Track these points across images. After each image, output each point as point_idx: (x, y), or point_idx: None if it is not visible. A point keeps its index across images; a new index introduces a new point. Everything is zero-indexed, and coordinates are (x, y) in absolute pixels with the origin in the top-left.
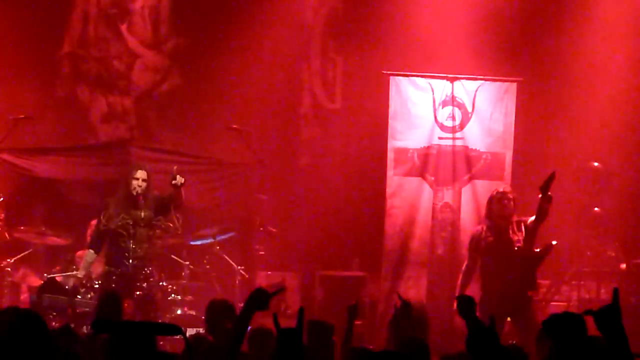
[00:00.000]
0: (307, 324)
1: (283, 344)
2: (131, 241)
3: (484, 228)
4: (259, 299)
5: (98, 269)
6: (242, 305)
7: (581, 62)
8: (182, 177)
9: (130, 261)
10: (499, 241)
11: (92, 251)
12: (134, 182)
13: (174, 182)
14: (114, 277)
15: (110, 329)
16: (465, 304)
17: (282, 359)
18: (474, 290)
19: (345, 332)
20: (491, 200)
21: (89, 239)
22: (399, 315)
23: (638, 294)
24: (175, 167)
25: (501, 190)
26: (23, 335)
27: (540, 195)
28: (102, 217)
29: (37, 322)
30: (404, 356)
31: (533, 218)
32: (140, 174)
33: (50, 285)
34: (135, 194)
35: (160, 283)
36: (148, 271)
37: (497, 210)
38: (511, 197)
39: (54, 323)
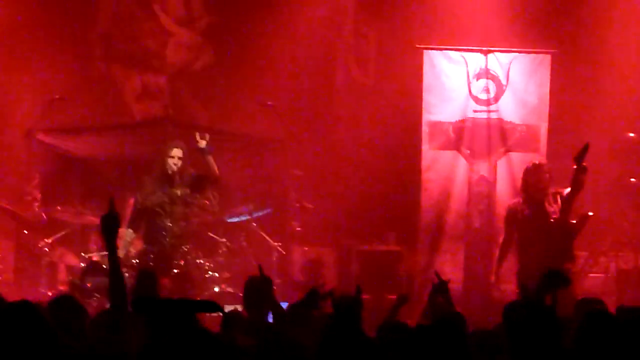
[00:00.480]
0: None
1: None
2: (168, 219)
3: (520, 201)
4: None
5: (137, 247)
6: (279, 281)
7: (615, 32)
8: (207, 143)
9: (168, 239)
10: (536, 214)
11: (130, 230)
12: (170, 161)
13: (197, 145)
14: (151, 256)
15: (150, 307)
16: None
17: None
18: (510, 263)
19: (389, 315)
20: (527, 172)
21: (127, 218)
22: (435, 292)
23: None
24: (197, 134)
25: (537, 162)
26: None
27: (575, 167)
28: (138, 196)
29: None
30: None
31: (569, 190)
32: (176, 152)
33: (93, 268)
34: (170, 172)
35: (198, 261)
36: (185, 249)
37: (533, 183)
38: (546, 169)
39: (95, 304)
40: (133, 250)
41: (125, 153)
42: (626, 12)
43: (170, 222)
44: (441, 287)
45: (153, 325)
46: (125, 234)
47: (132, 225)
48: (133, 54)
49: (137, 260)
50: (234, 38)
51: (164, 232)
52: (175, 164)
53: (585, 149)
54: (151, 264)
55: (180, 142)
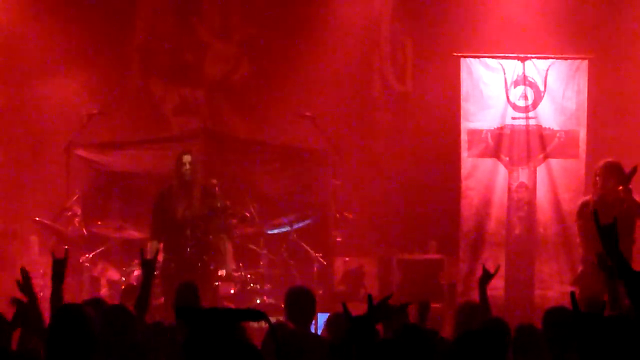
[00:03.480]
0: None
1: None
2: (188, 230)
3: (592, 197)
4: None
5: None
6: (321, 292)
7: None
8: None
9: (188, 249)
10: (604, 205)
11: (155, 241)
12: (183, 168)
13: None
14: (172, 265)
15: (194, 316)
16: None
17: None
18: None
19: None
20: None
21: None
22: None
23: None
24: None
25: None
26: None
27: (620, 188)
28: (157, 207)
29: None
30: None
31: None
32: (186, 158)
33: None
34: (186, 179)
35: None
36: (206, 259)
37: (603, 183)
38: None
39: None
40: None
41: (164, 167)
42: None
43: (190, 232)
44: (484, 278)
45: (195, 335)
46: (150, 245)
47: (155, 236)
48: (171, 67)
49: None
50: (271, 50)
51: (183, 242)
52: (187, 170)
53: (634, 171)
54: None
55: (190, 149)
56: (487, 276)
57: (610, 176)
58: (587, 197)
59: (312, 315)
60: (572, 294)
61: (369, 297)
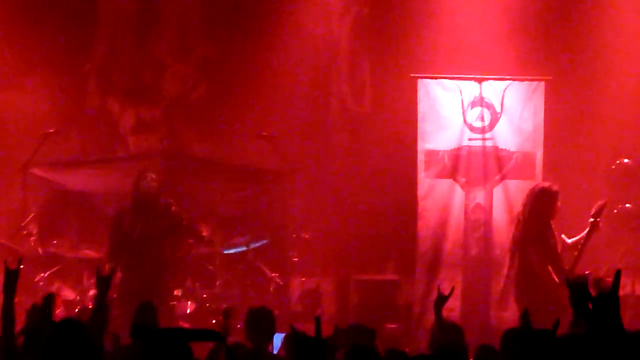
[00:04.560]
0: (348, 329)
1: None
2: (145, 249)
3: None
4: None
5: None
6: (277, 312)
7: (610, 59)
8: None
9: (145, 269)
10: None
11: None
12: (146, 185)
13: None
14: (130, 284)
15: (149, 336)
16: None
17: None
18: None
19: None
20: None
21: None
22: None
23: None
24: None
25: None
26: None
27: (591, 220)
28: (115, 227)
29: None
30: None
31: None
32: (150, 175)
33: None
34: (147, 197)
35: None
36: (163, 278)
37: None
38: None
39: None
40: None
41: (121, 186)
42: (620, 39)
43: (147, 252)
44: (439, 301)
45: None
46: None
47: (113, 255)
48: (128, 86)
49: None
50: (228, 69)
51: (139, 261)
52: (149, 183)
53: (602, 207)
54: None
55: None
56: (441, 298)
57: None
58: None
59: (270, 335)
60: (525, 311)
61: (317, 319)
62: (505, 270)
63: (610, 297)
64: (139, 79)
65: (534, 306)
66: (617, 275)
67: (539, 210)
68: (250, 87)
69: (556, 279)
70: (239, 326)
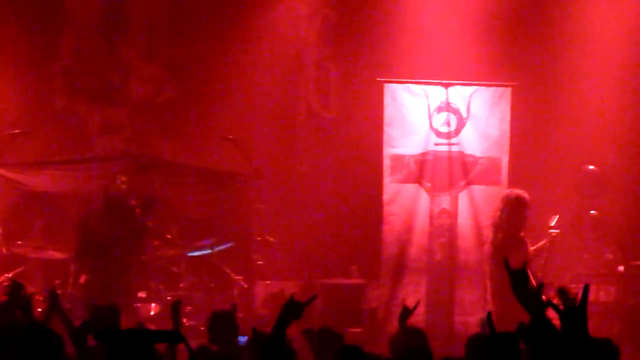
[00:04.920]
0: (317, 332)
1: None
2: (111, 251)
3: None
4: (294, 308)
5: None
6: (241, 315)
7: (576, 65)
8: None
9: (110, 271)
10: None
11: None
12: (116, 188)
13: None
14: (94, 286)
15: (112, 337)
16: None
17: None
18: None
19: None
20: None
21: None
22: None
23: (636, 296)
24: None
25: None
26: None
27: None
28: (84, 228)
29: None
30: None
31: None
32: (120, 176)
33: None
34: (115, 199)
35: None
36: (127, 280)
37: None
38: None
39: None
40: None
41: (87, 188)
42: (587, 46)
43: (115, 254)
44: (403, 314)
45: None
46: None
47: (79, 256)
48: (95, 88)
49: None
50: (196, 72)
51: (106, 263)
52: (118, 185)
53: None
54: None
55: (124, 172)
56: (406, 312)
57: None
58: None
59: (234, 338)
60: (489, 314)
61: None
62: (487, 277)
63: (578, 309)
64: (106, 81)
65: (511, 312)
66: (585, 289)
67: (515, 216)
68: (218, 90)
69: (534, 284)
70: (202, 328)
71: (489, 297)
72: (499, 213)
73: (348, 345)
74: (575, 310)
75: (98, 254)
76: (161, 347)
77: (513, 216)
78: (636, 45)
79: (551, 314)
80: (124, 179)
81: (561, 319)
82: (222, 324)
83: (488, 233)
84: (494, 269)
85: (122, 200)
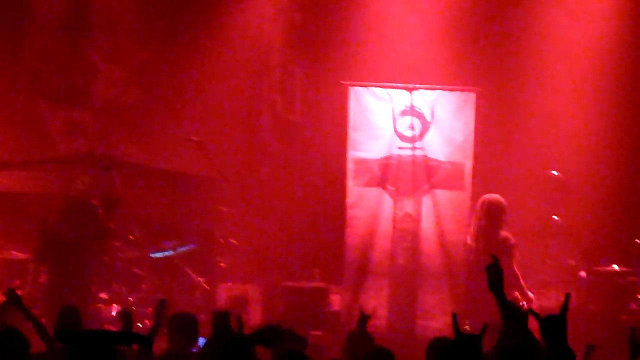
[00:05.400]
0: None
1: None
2: (72, 252)
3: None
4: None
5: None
6: (203, 317)
7: (540, 70)
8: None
9: (72, 271)
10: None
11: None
12: (76, 190)
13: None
14: (55, 286)
15: (73, 339)
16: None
17: None
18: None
19: None
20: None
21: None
22: (358, 323)
23: (597, 302)
24: None
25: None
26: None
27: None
28: (45, 228)
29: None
30: None
31: None
32: (82, 178)
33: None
34: (76, 200)
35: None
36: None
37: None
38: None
39: None
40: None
41: (51, 189)
42: (549, 51)
43: (76, 254)
44: (362, 321)
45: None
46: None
47: (39, 256)
48: (60, 89)
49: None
50: (161, 74)
51: (76, 265)
52: (79, 187)
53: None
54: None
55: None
56: (364, 318)
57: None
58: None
59: (194, 340)
60: (454, 315)
61: (239, 319)
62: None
63: (558, 318)
64: (70, 82)
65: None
66: (567, 298)
67: (497, 221)
68: (182, 92)
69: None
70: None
71: (470, 307)
72: (480, 219)
73: (291, 349)
74: (556, 318)
75: (59, 254)
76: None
77: (495, 221)
78: (599, 51)
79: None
80: (84, 180)
81: (541, 327)
82: (181, 326)
83: (452, 238)
84: (476, 275)
85: (82, 201)
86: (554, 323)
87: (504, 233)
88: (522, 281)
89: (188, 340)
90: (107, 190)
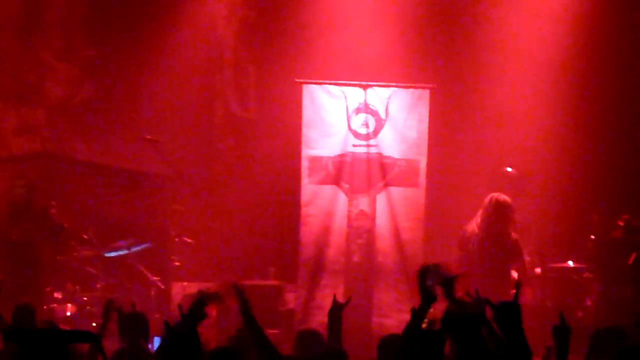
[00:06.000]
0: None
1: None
2: (24, 251)
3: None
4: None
5: None
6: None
7: (494, 68)
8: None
9: (22, 271)
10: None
11: None
12: (14, 191)
13: None
14: (8, 286)
15: (25, 338)
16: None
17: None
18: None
19: None
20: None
21: None
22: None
23: (553, 299)
24: None
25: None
26: None
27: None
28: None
29: None
30: None
31: None
32: (19, 181)
33: None
34: (18, 202)
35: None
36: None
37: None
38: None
39: None
40: None
41: (1, 187)
42: (503, 48)
43: (25, 255)
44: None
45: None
46: None
47: None
48: (11, 88)
49: None
50: (114, 72)
51: (30, 264)
52: (19, 194)
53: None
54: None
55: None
56: (338, 307)
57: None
58: (469, 228)
59: (144, 339)
60: (413, 310)
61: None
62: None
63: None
64: (22, 81)
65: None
66: (517, 286)
67: (507, 221)
68: (136, 90)
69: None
70: None
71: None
72: (490, 216)
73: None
74: (509, 306)
75: (12, 254)
76: (83, 347)
77: (505, 220)
78: (552, 49)
79: None
80: (21, 183)
81: (495, 315)
82: (131, 325)
83: (407, 235)
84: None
85: (23, 203)
86: (508, 311)
87: (515, 235)
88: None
89: (137, 339)
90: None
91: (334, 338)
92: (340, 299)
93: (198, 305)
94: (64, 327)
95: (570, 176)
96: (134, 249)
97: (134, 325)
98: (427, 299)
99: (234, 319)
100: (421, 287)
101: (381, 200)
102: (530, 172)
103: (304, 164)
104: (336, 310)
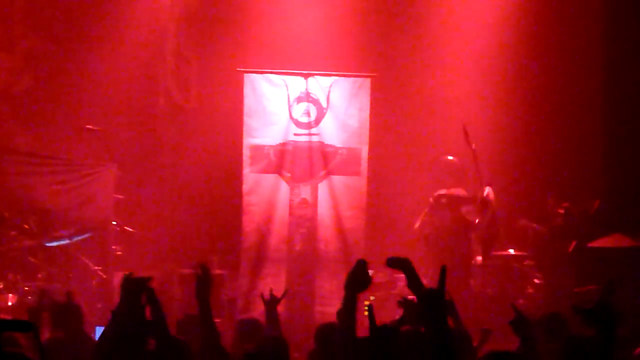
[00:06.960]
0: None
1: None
2: None
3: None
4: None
5: None
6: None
7: (435, 56)
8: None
9: None
10: None
11: None
12: None
13: None
14: None
15: None
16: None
17: None
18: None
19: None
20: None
21: None
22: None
23: (494, 286)
24: None
25: None
26: None
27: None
28: None
29: None
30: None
31: None
32: None
33: None
34: None
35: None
36: None
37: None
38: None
39: None
40: None
41: None
42: (444, 37)
43: None
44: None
45: None
46: None
47: None
48: None
49: None
50: (55, 62)
51: None
52: None
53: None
54: None
55: None
56: (274, 300)
57: None
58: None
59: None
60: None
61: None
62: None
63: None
64: None
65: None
66: (442, 271)
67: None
68: (77, 80)
69: None
70: None
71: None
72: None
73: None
74: (434, 292)
75: None
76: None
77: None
78: (494, 38)
79: None
80: None
81: (420, 302)
82: (65, 317)
83: (349, 224)
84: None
85: None
86: (433, 298)
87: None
88: None
89: (69, 328)
90: None
91: (271, 327)
92: (282, 287)
93: (128, 290)
94: (5, 316)
95: (509, 164)
96: (76, 239)
97: (68, 316)
98: (359, 287)
99: (175, 308)
100: (358, 277)
101: (323, 188)
102: (470, 160)
103: (246, 152)
104: (272, 304)
